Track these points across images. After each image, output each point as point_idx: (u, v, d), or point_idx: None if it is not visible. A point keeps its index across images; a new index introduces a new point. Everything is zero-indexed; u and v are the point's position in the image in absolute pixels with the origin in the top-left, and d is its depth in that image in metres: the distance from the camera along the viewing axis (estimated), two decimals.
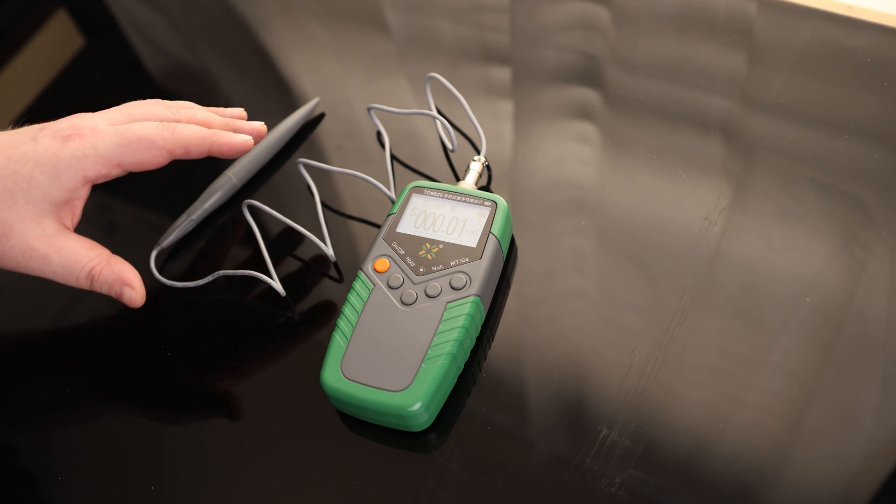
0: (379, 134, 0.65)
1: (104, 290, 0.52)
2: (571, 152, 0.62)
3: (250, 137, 0.55)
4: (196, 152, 0.54)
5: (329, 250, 0.57)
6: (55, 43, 0.82)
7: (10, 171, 0.48)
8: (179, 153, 0.53)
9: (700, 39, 0.68)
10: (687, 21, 0.69)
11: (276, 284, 0.56)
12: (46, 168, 0.48)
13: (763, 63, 0.65)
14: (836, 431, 0.47)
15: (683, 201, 0.58)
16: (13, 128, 0.52)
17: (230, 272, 0.56)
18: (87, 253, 0.51)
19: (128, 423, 0.53)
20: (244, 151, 0.55)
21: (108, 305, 0.58)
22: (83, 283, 0.51)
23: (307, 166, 0.62)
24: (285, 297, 0.56)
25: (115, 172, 0.52)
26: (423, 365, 0.47)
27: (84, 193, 0.51)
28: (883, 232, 0.54)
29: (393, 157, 0.63)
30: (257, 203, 0.59)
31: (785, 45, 0.66)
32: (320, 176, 0.63)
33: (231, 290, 0.58)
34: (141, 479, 0.50)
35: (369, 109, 0.64)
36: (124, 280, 0.51)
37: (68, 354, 0.57)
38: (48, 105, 0.73)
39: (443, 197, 0.55)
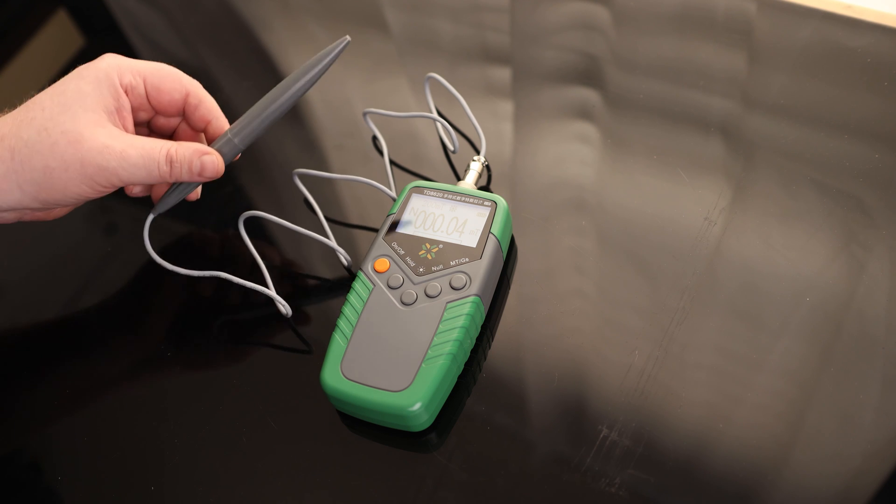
0: (375, 139, 0.64)
1: (185, 170, 0.52)
2: (571, 152, 0.62)
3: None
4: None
5: (341, 250, 0.56)
6: (55, 43, 0.82)
7: (61, 89, 0.51)
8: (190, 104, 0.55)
9: (700, 39, 0.68)
10: (687, 21, 0.69)
11: (278, 299, 0.56)
12: (90, 80, 0.52)
13: (763, 63, 0.65)
14: (836, 431, 0.47)
15: (683, 201, 0.58)
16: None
17: (230, 277, 0.55)
18: (158, 141, 0.52)
19: (128, 422, 0.53)
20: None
21: (108, 305, 0.58)
22: (164, 168, 0.52)
23: (303, 176, 0.60)
24: (285, 296, 0.56)
25: (141, 88, 0.54)
26: (423, 365, 0.47)
27: (127, 103, 0.53)
28: (883, 232, 0.54)
29: (392, 159, 0.63)
30: (256, 212, 0.57)
31: (785, 45, 0.66)
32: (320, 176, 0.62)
33: (231, 290, 0.57)
34: (141, 479, 0.50)
35: (365, 114, 0.64)
36: (202, 150, 0.53)
37: (68, 354, 0.57)
38: None
39: (443, 197, 0.55)
